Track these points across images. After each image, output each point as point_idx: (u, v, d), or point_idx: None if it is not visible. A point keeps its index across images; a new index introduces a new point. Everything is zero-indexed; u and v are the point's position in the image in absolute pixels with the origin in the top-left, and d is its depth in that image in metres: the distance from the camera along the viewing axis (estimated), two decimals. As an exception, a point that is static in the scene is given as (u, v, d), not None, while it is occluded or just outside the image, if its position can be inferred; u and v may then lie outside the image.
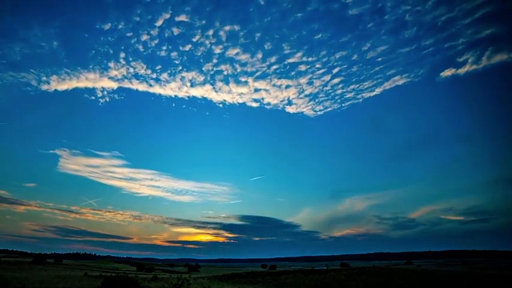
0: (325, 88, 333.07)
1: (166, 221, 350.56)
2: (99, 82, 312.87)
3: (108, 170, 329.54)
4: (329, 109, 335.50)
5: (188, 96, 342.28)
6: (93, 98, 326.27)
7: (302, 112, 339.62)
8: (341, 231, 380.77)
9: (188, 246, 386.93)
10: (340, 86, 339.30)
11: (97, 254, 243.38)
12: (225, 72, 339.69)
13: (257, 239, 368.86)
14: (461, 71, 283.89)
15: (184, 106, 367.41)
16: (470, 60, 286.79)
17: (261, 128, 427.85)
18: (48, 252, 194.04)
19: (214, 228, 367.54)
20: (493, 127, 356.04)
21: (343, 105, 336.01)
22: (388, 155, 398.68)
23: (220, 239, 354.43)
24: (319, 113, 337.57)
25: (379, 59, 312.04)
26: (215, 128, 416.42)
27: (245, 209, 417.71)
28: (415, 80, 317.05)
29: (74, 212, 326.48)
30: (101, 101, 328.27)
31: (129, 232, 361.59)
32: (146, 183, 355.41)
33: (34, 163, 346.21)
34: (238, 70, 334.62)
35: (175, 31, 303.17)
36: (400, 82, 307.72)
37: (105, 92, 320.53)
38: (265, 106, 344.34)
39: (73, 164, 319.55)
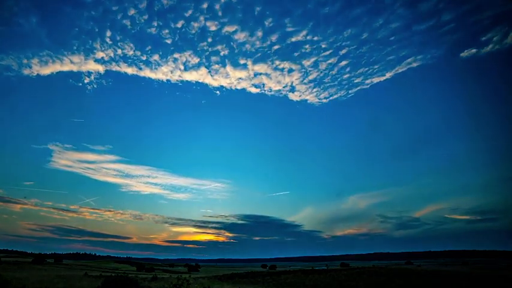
0: (331, 72, 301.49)
1: (165, 221, 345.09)
2: (85, 65, 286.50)
3: (104, 167, 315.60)
4: (334, 96, 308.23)
5: (182, 81, 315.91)
6: (80, 84, 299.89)
7: (306, 100, 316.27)
8: (343, 231, 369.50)
9: (188, 246, 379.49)
10: (348, 69, 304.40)
11: (96, 254, 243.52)
12: (222, 53, 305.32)
13: (257, 238, 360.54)
14: (483, 51, 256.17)
15: (178, 93, 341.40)
16: (495, 39, 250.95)
17: (262, 117, 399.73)
18: (46, 252, 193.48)
19: (214, 228, 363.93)
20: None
21: (349, 92, 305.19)
22: (396, 149, 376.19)
23: (220, 239, 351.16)
24: (323, 100, 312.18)
25: (392, 38, 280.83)
26: (212, 118, 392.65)
27: (245, 207, 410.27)
28: (430, 62, 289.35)
29: (72, 211, 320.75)
30: (89, 87, 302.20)
31: (127, 231, 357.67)
32: (143, 180, 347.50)
33: (27, 159, 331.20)
34: (236, 51, 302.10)
35: (166, 2, 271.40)
36: (414, 65, 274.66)
37: (92, 77, 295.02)
38: (267, 92, 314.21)
39: (66, 159, 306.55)
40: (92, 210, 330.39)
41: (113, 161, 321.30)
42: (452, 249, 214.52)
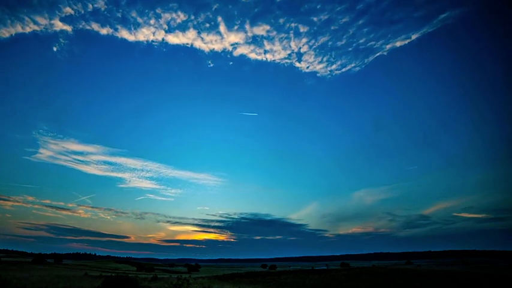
0: (344, 36, 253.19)
1: (163, 219, 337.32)
2: (50, 25, 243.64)
3: (92, 160, 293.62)
4: (348, 67, 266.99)
5: (166, 44, 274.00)
6: (47, 50, 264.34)
7: (315, 73, 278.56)
8: (348, 229, 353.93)
9: (187, 245, 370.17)
10: (365, 30, 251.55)
11: (97, 254, 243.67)
12: (214, 7, 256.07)
13: (258, 237, 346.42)
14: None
15: (163, 58, 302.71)
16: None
17: (264, 90, 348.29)
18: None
19: (212, 227, 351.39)
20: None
21: (365, 60, 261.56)
22: (412, 136, 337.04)
23: (220, 238, 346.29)
24: (336, 72, 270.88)
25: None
26: (203, 92, 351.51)
27: (244, 204, 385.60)
28: (468, 16, 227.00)
29: (66, 209, 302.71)
30: (59, 56, 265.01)
31: (125, 230, 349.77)
32: (136, 174, 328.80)
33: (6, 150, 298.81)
34: (230, 6, 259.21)
35: None
36: (449, 21, 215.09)
37: (61, 40, 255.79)
38: (268, 59, 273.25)
39: (51, 150, 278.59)
40: (88, 208, 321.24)
41: (98, 153, 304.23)
42: (462, 249, 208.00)
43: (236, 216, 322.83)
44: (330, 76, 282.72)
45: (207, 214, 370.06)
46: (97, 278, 30.65)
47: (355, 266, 69.88)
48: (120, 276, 21.22)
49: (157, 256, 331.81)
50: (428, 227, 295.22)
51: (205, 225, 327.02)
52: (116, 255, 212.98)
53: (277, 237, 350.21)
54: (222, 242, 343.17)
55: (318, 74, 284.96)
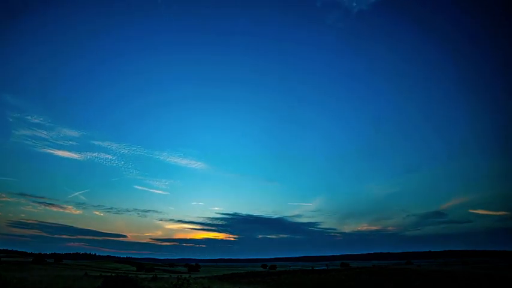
0: None
1: (157, 216, 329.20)
2: None
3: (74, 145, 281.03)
4: None
5: None
6: None
7: None
8: (355, 227, 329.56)
9: (186, 244, 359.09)
10: None
11: (96, 254, 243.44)
12: None
13: (260, 236, 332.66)
14: None
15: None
16: None
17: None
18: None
19: (211, 225, 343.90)
20: None
21: None
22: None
23: (220, 236, 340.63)
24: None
25: None
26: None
27: (243, 201, 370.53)
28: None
29: (56, 206, 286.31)
30: None
31: (121, 228, 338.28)
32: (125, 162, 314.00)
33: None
34: None
35: None
36: None
37: None
38: None
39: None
40: (78, 205, 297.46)
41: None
42: (462, 249, 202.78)
43: (234, 214, 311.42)
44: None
45: (203, 211, 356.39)
46: (97, 278, 30.65)
47: (355, 266, 69.88)
48: (120, 276, 21.23)
49: (157, 256, 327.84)
50: (441, 226, 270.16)
51: (202, 223, 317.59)
52: (116, 255, 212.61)
53: (277, 236, 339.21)
54: (222, 241, 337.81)
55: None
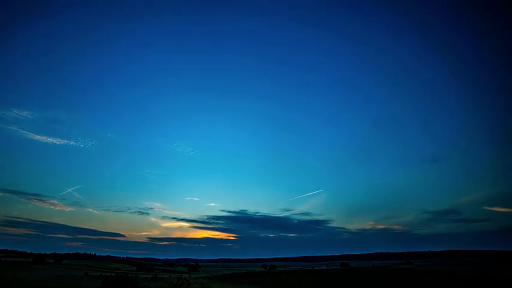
0: None
1: (160, 216, 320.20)
2: None
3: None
4: None
5: None
6: None
7: None
8: (359, 225, 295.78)
9: (186, 244, 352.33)
10: None
11: (96, 254, 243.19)
12: None
13: (263, 235, 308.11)
14: None
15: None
16: None
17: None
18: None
19: (210, 224, 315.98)
20: None
21: None
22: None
23: (219, 236, 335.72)
24: None
25: None
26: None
27: (243, 202, 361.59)
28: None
29: (48, 203, 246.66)
30: None
31: (117, 227, 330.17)
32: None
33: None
34: None
35: None
36: None
37: None
38: None
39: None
40: (72, 201, 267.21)
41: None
42: (462, 249, 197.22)
43: (234, 213, 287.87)
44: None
45: (199, 208, 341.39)
46: (97, 278, 30.68)
47: (355, 266, 69.89)
48: (120, 276, 21.25)
49: (157, 256, 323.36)
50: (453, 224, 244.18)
51: (198, 221, 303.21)
52: (116, 255, 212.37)
53: (276, 235, 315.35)
54: (222, 240, 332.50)
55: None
